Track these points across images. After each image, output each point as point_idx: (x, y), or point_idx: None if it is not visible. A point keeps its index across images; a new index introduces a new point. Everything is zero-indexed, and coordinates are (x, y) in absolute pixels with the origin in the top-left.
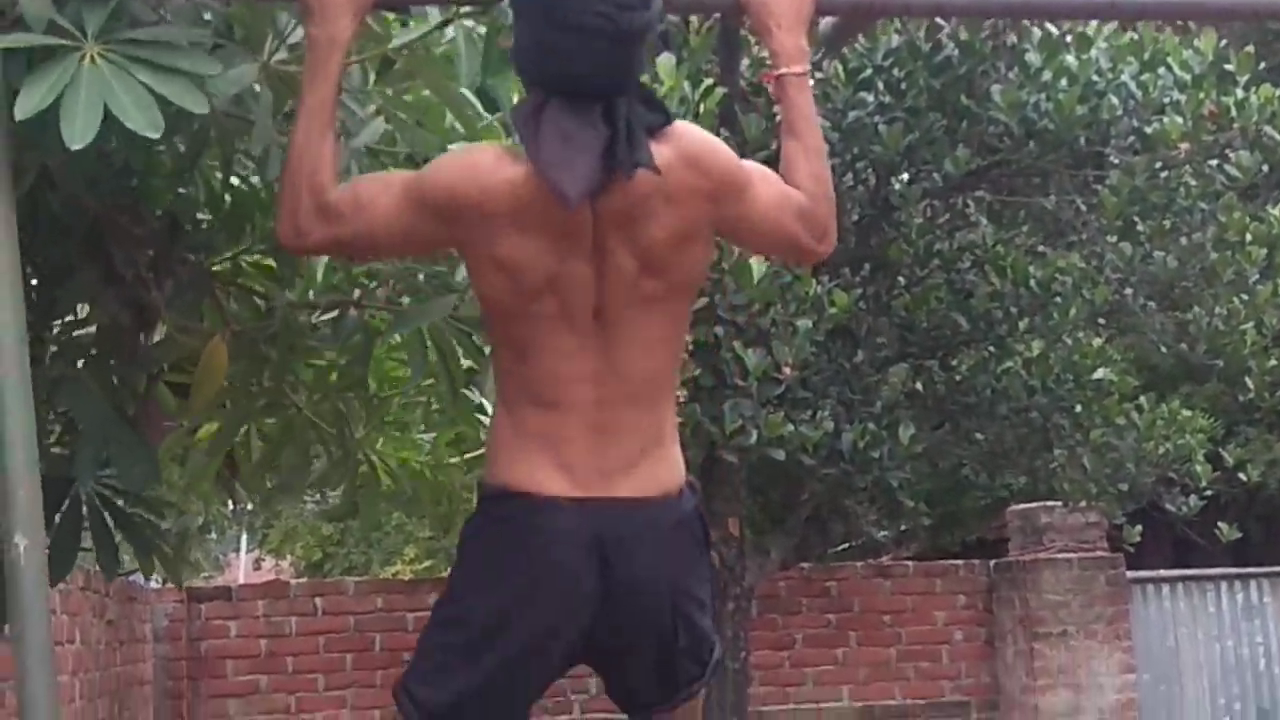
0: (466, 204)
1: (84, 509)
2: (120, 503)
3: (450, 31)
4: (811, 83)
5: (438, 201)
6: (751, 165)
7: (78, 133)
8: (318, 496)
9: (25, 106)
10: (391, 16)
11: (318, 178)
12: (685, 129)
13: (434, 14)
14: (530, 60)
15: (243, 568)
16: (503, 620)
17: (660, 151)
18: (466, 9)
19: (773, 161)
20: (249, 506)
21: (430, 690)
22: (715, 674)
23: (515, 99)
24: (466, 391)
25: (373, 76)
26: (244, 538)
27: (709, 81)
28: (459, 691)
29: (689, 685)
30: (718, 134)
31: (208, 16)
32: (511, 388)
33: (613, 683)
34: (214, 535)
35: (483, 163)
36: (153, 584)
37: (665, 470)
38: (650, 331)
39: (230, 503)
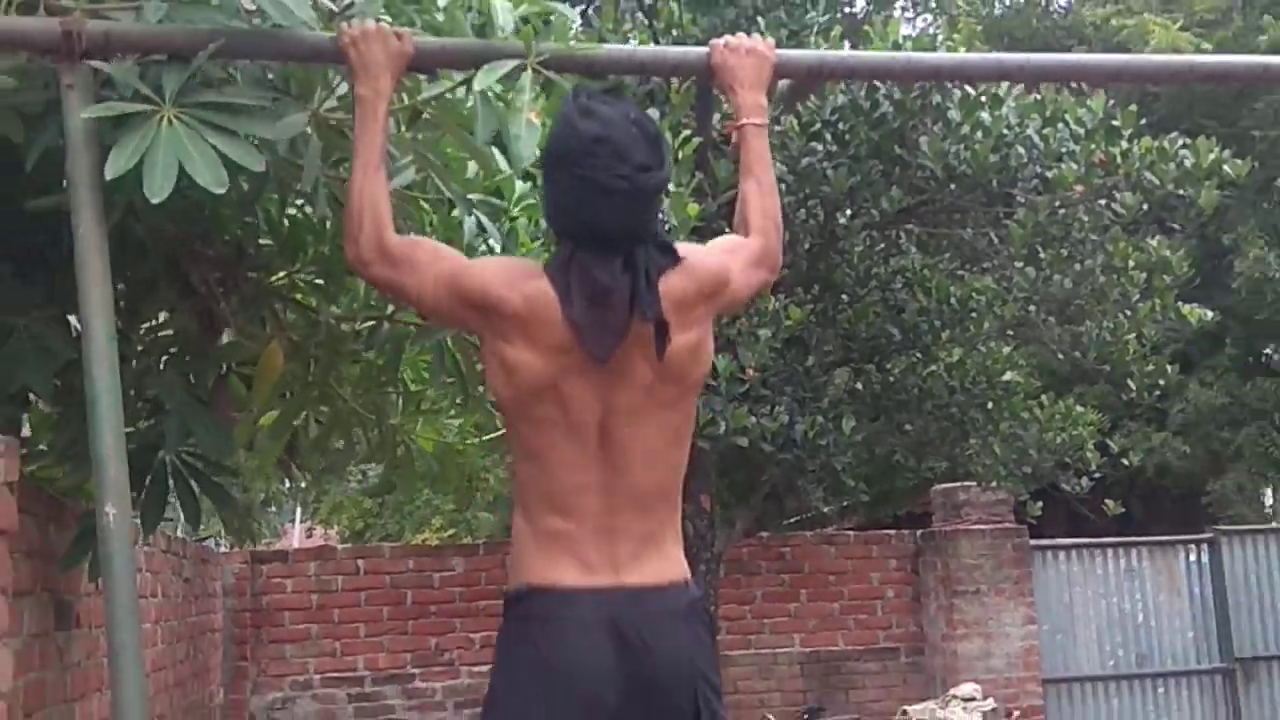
0: (490, 304)
1: (169, 474)
2: (200, 467)
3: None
4: (769, 134)
5: (471, 295)
6: (721, 244)
7: (157, 188)
8: (360, 476)
9: (115, 167)
10: (423, 79)
11: (378, 210)
12: (684, 251)
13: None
14: (561, 215)
15: (297, 535)
16: (541, 711)
17: (671, 280)
18: (485, 83)
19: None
20: (303, 484)
21: None
22: None
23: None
24: (481, 388)
25: (404, 125)
26: (298, 511)
27: (687, 132)
28: None
29: None
30: (693, 178)
31: (270, 76)
32: (528, 496)
33: None
34: (274, 509)
35: (514, 273)
36: (222, 548)
37: (669, 564)
38: (658, 440)
39: (287, 481)
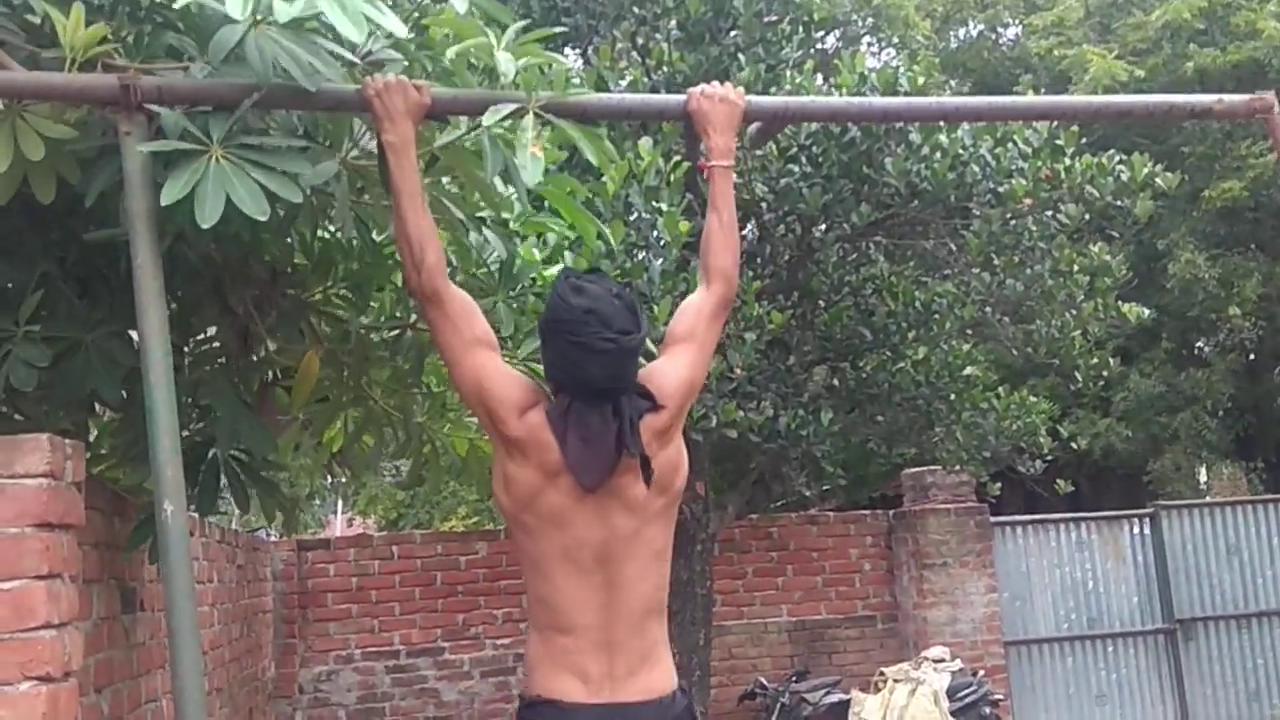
0: (500, 420)
1: (220, 469)
2: (248, 461)
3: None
4: (751, 160)
5: (488, 402)
6: (680, 339)
7: (207, 215)
8: (394, 470)
9: (170, 195)
10: (436, 126)
11: (433, 243)
12: (654, 379)
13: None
14: (558, 372)
15: (339, 525)
16: None
17: (647, 418)
18: (491, 120)
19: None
20: (343, 480)
21: None
22: (705, 640)
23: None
24: None
25: (421, 167)
26: (339, 503)
27: (677, 158)
28: None
29: None
30: (683, 199)
31: (302, 129)
32: (538, 610)
33: None
34: (318, 502)
35: (526, 398)
36: (271, 538)
37: (660, 677)
38: (647, 553)
39: (329, 477)
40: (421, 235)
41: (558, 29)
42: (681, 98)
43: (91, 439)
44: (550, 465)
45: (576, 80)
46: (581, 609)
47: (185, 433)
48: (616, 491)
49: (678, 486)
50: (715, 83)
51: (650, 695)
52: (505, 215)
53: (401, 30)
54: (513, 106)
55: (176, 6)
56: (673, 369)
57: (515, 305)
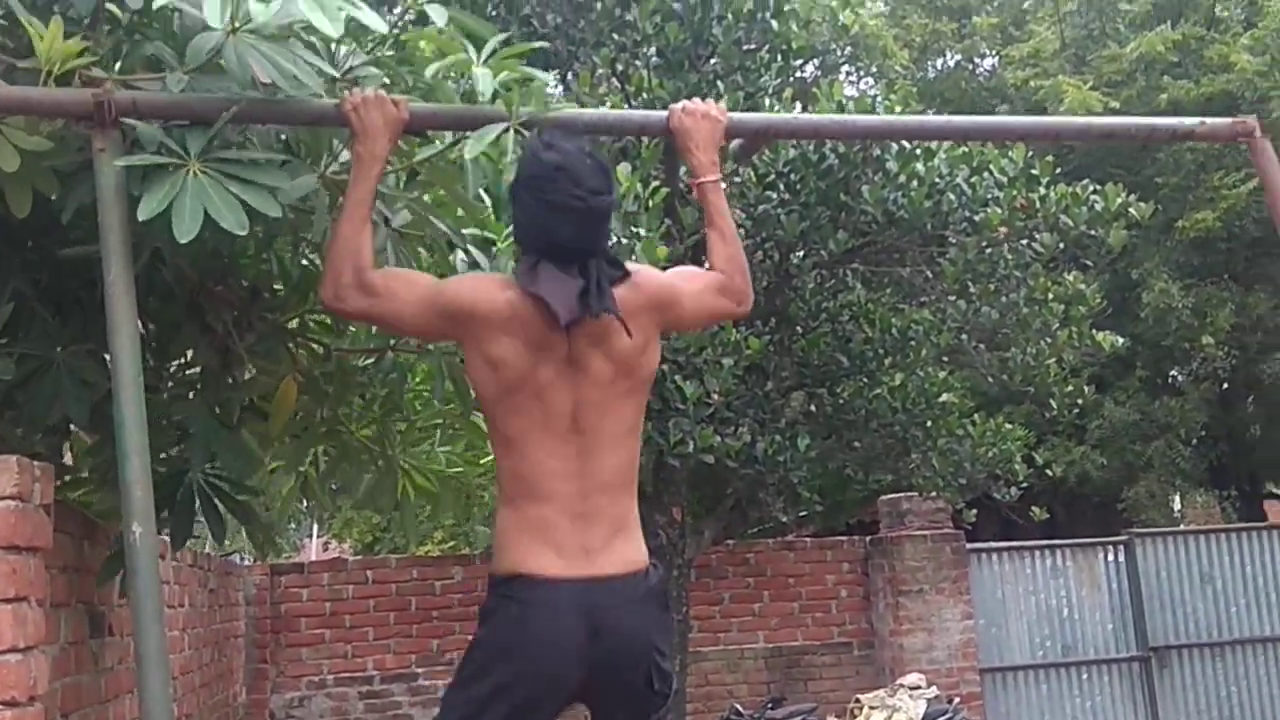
0: (472, 312)
1: (195, 494)
2: (225, 487)
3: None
4: (729, 185)
5: (450, 308)
6: (677, 272)
7: (185, 229)
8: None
9: (147, 209)
10: (417, 140)
11: (359, 258)
12: (634, 269)
13: (447, 136)
14: (527, 232)
15: (314, 549)
16: (514, 677)
17: (619, 291)
18: (476, 149)
19: (703, 246)
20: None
21: None
22: (678, 668)
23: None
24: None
25: (403, 181)
26: (314, 527)
27: (656, 183)
28: None
29: (658, 710)
30: (662, 224)
31: (282, 137)
32: (508, 483)
33: (600, 715)
34: (293, 525)
35: (489, 285)
36: (244, 562)
37: (633, 550)
38: (619, 428)
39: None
40: (349, 247)
41: (537, 44)
42: (663, 114)
43: (70, 462)
44: (535, 336)
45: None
46: (556, 478)
47: (162, 455)
48: (587, 363)
49: (644, 372)
50: (696, 99)
51: (627, 568)
52: (490, 235)
53: (381, 26)
54: (500, 127)
55: (156, 7)
56: (659, 272)
57: None
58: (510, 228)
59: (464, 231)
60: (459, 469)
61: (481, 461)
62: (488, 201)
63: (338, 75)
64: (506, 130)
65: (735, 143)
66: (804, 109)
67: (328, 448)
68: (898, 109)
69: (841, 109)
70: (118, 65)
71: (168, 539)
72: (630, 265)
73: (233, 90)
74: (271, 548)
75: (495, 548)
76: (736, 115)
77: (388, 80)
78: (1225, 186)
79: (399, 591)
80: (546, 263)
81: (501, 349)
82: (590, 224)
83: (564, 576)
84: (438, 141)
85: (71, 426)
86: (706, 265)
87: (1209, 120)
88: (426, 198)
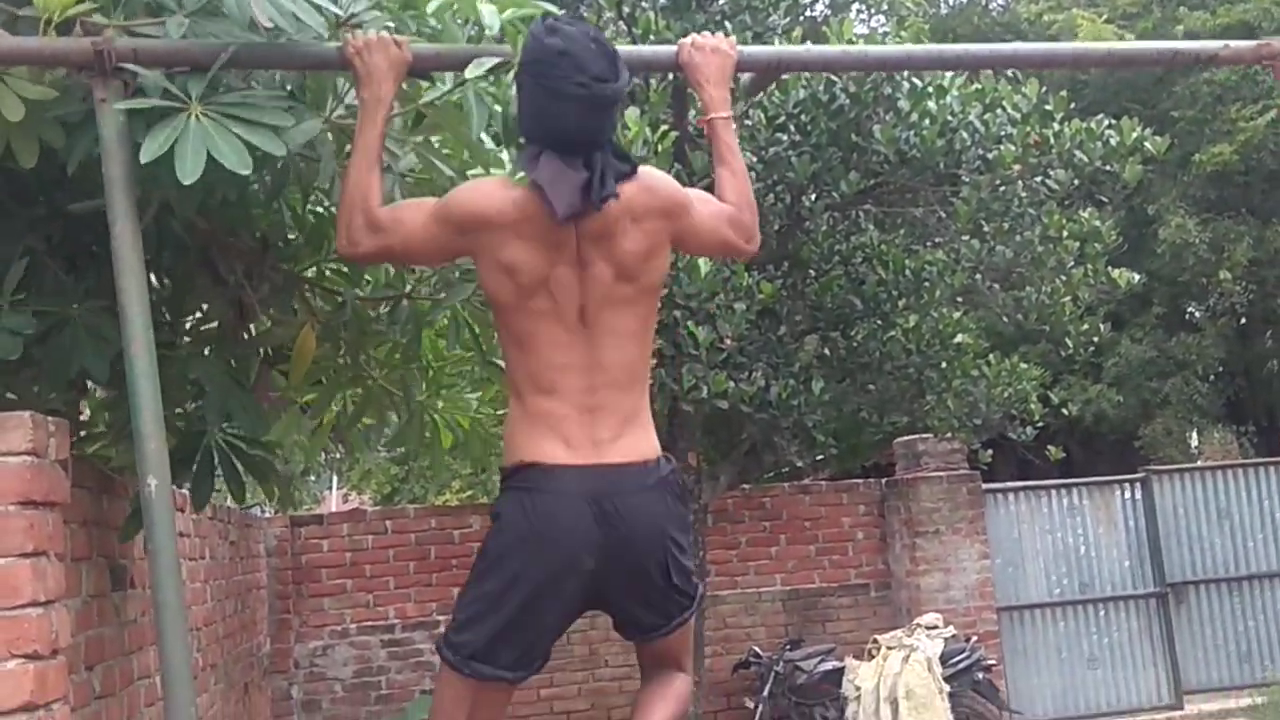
0: (480, 217)
1: (214, 455)
2: (242, 445)
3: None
4: (739, 128)
5: (458, 217)
6: (692, 190)
7: (188, 171)
8: (390, 447)
9: (149, 151)
10: (423, 84)
11: (369, 202)
12: (645, 170)
13: (451, 78)
14: (529, 121)
15: (334, 500)
16: (524, 567)
17: (626, 189)
18: (474, 74)
19: (713, 188)
20: (338, 455)
21: (468, 635)
22: (700, 604)
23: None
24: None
25: (409, 123)
26: (334, 479)
27: (665, 127)
28: (491, 631)
29: (682, 613)
30: (671, 168)
31: (287, 87)
32: (518, 379)
33: (619, 618)
34: (313, 477)
35: (493, 188)
36: (265, 514)
37: (644, 442)
38: (624, 328)
39: (324, 453)
40: (361, 191)
41: None
42: (672, 49)
43: (86, 418)
44: (546, 235)
45: None
46: (564, 372)
47: (178, 411)
48: (590, 262)
49: (649, 280)
50: (706, 33)
51: (636, 456)
52: (496, 173)
53: None
54: (496, 60)
55: None
56: (671, 181)
57: None
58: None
59: (470, 173)
60: (481, 416)
61: (499, 413)
62: (493, 145)
63: (341, 15)
64: (510, 67)
65: (745, 77)
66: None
67: (352, 394)
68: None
69: (852, 45)
70: (119, 11)
71: (186, 493)
72: (643, 168)
73: (233, 34)
74: (290, 500)
75: (504, 444)
76: (747, 49)
77: (391, 24)
78: (1243, 119)
79: (418, 541)
80: (550, 152)
81: (514, 252)
82: (594, 112)
83: (571, 464)
84: (439, 84)
85: (89, 384)
86: None
87: (1232, 43)
88: (434, 140)
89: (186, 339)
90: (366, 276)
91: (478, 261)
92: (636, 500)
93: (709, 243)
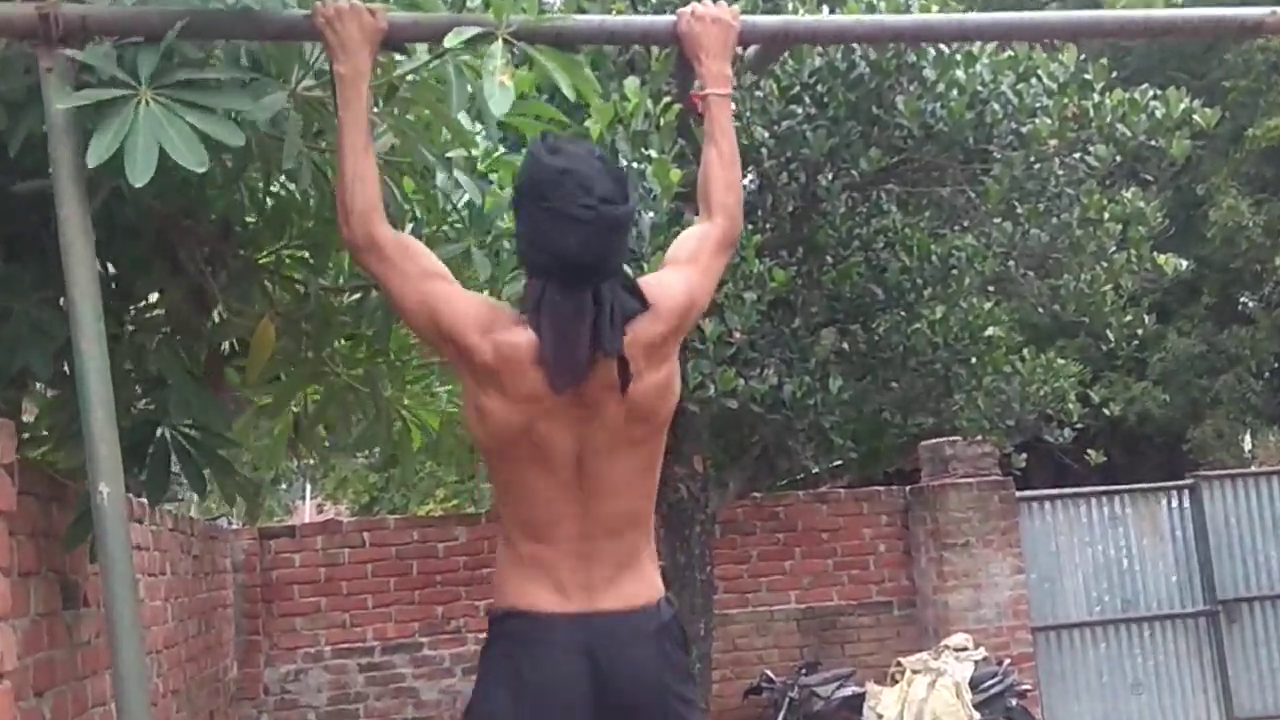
0: (465, 347)
1: (169, 449)
2: (201, 440)
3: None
4: (749, 98)
5: (446, 330)
6: (680, 264)
7: (139, 172)
8: (367, 451)
9: (96, 153)
10: (397, 56)
11: (368, 194)
12: (648, 290)
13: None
14: (530, 248)
15: (308, 512)
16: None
17: (637, 323)
18: (454, 43)
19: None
20: (310, 462)
21: None
22: (705, 629)
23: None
24: None
25: (382, 99)
26: (307, 488)
27: (668, 99)
28: None
29: None
30: (675, 142)
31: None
32: (509, 523)
33: None
34: (284, 486)
35: (488, 318)
36: (232, 526)
37: (643, 586)
38: (630, 470)
39: (295, 461)
40: (357, 175)
41: None
42: (670, 18)
43: (32, 420)
44: (528, 389)
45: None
46: (558, 522)
47: (130, 410)
48: (597, 407)
49: (664, 414)
50: (708, 1)
51: (633, 602)
52: (474, 152)
53: None
54: (477, 30)
55: None
56: (671, 282)
57: (489, 250)
58: (499, 149)
59: (449, 155)
60: (452, 410)
61: None
62: (473, 124)
63: None
64: (494, 39)
65: (751, 49)
66: (830, 11)
67: (314, 391)
68: (934, 8)
69: (872, 9)
70: None
71: (144, 501)
72: (643, 281)
73: (192, 1)
74: (258, 510)
75: (495, 586)
76: (751, 18)
77: None
78: None
79: (399, 555)
80: (553, 289)
81: (491, 400)
82: (602, 237)
83: (563, 613)
84: (416, 55)
85: (33, 383)
86: (699, 189)
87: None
88: (410, 117)
89: (131, 328)
90: (330, 264)
91: (461, 384)
92: (633, 652)
93: (715, 279)
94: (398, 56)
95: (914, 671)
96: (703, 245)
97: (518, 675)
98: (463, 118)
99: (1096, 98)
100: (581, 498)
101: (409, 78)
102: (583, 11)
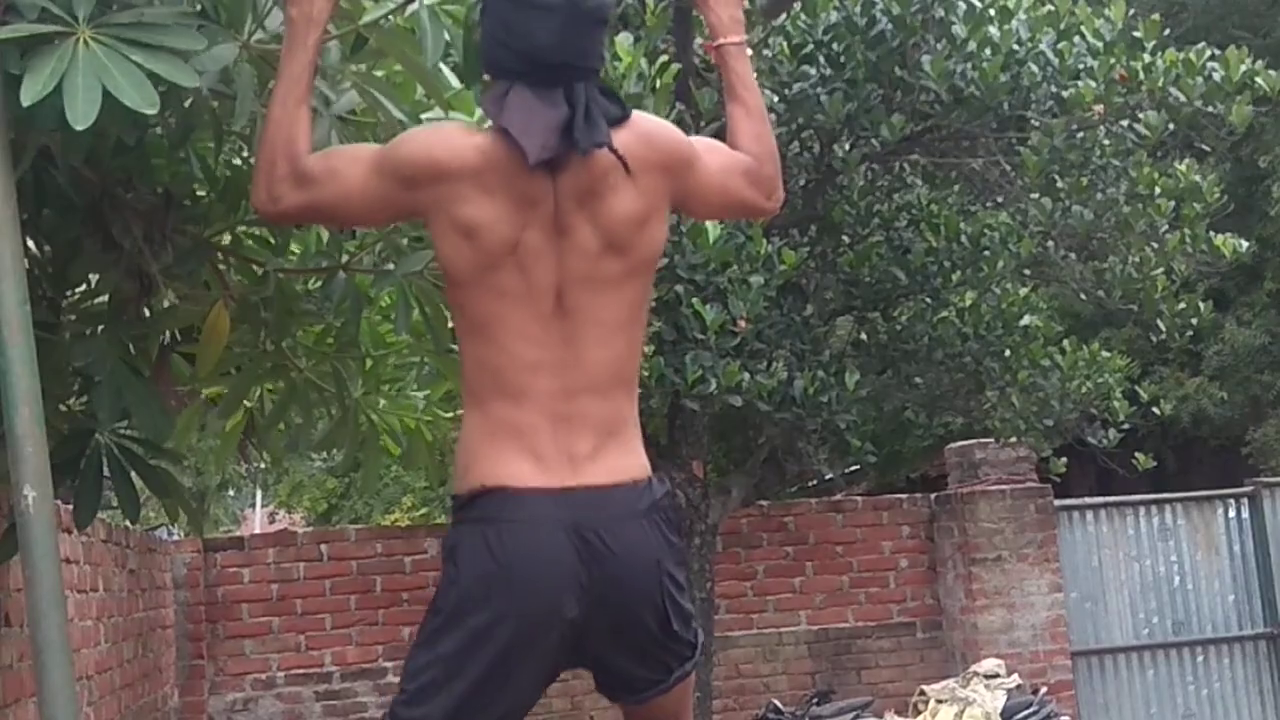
0: (434, 167)
1: (103, 457)
2: (139, 451)
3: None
4: (756, 57)
5: (406, 168)
6: (698, 139)
7: (80, 114)
8: (324, 453)
9: (31, 92)
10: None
11: (294, 146)
12: (640, 115)
13: None
14: (496, 47)
15: (258, 522)
16: (491, 619)
17: (618, 136)
18: None
19: (724, 133)
20: (261, 466)
21: (422, 709)
22: (703, 654)
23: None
24: (453, 347)
25: (348, 50)
26: (258, 494)
27: (665, 58)
28: (452, 704)
29: (682, 665)
30: (674, 108)
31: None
32: (477, 379)
33: (606, 676)
34: (232, 492)
35: (451, 132)
36: (173, 536)
37: (632, 458)
38: (611, 316)
39: (244, 463)
40: (292, 138)
41: None
42: None
43: None
44: (516, 189)
45: None
46: (535, 371)
47: (62, 409)
48: (568, 226)
49: (642, 253)
50: None
51: (623, 476)
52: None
53: None
54: None
55: None
56: (673, 130)
57: None
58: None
59: (424, 117)
60: (430, 419)
61: (457, 414)
62: (453, 79)
63: None
64: None
65: None
66: None
67: (272, 387)
68: None
69: None
70: None
71: (71, 509)
72: (638, 115)
73: None
74: (201, 520)
75: (458, 463)
76: None
77: None
78: None
79: (361, 570)
80: (521, 87)
81: (475, 209)
82: (576, 28)
83: (544, 487)
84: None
85: None
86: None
87: None
88: (379, 73)
89: (71, 317)
90: (293, 245)
91: (430, 224)
92: (625, 531)
93: (720, 204)
94: (365, 2)
95: (939, 701)
96: (727, 152)
97: (494, 556)
98: (444, 69)
99: (1147, 58)
100: (563, 342)
101: (381, 22)
102: None
